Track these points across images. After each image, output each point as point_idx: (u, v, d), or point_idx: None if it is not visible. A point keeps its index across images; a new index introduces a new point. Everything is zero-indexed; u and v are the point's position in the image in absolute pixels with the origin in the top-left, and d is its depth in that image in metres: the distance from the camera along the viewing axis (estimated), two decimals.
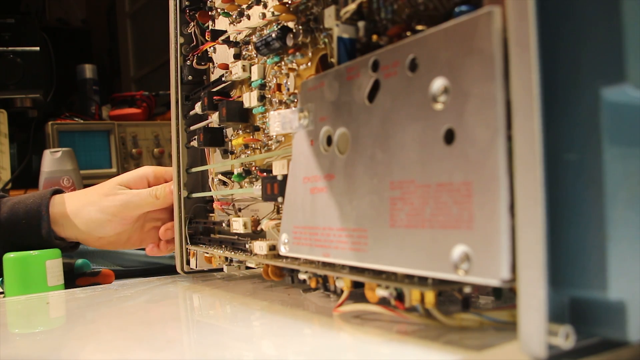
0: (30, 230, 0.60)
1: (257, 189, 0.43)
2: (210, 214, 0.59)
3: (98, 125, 1.47)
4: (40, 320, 0.47)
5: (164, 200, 0.60)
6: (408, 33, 0.33)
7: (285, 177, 0.40)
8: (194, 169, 0.59)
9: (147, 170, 0.65)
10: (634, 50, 0.24)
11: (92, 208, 0.62)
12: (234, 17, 0.51)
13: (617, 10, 0.24)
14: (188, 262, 0.59)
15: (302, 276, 0.40)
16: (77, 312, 0.49)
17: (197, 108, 0.54)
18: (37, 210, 0.61)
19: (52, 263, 0.57)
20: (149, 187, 0.64)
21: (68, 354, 0.35)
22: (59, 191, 0.65)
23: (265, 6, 0.46)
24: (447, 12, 0.30)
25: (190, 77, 0.58)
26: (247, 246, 0.47)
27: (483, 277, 0.25)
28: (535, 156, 0.23)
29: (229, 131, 0.54)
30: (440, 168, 0.27)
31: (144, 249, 0.80)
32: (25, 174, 1.39)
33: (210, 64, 0.58)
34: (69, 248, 0.65)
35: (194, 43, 0.58)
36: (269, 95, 0.46)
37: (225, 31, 0.52)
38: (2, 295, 0.58)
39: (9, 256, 0.57)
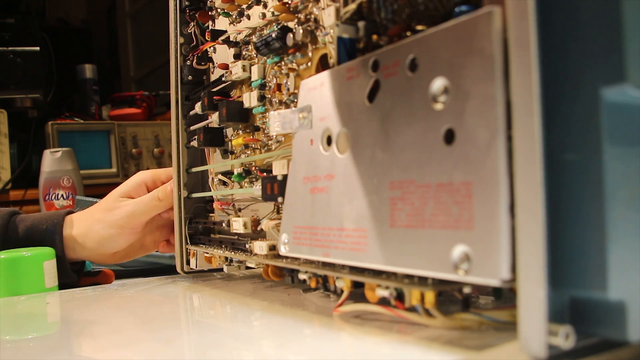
0: None
1: (257, 189, 0.43)
2: (210, 214, 0.59)
3: (98, 125, 1.47)
4: (41, 320, 0.47)
5: (167, 201, 0.61)
6: (408, 33, 0.33)
7: (285, 177, 0.40)
8: (194, 169, 0.59)
9: (143, 176, 0.65)
10: (634, 50, 0.24)
11: (100, 225, 0.62)
12: (234, 17, 0.51)
13: (617, 10, 0.24)
14: (188, 262, 0.59)
15: (302, 276, 0.40)
16: (77, 312, 0.49)
17: (197, 108, 0.54)
18: (51, 237, 0.62)
19: (49, 264, 0.57)
20: (149, 192, 0.64)
21: (68, 354, 0.35)
22: (70, 212, 0.65)
23: (265, 6, 0.46)
24: (447, 12, 0.30)
25: (190, 77, 0.58)
26: (247, 246, 0.47)
27: (483, 277, 0.25)
28: (535, 156, 0.23)
29: (229, 131, 0.54)
30: (440, 168, 0.27)
31: None
32: (25, 174, 1.39)
33: (210, 64, 0.58)
34: (77, 270, 0.66)
35: (194, 43, 0.58)
36: (269, 95, 0.46)
37: (225, 31, 0.52)
38: None
39: (1, 257, 0.55)
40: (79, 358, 0.34)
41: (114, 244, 0.63)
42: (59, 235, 0.62)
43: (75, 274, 0.64)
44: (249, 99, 0.48)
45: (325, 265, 0.37)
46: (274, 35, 0.43)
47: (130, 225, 0.62)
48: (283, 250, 0.39)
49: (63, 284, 0.59)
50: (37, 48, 1.39)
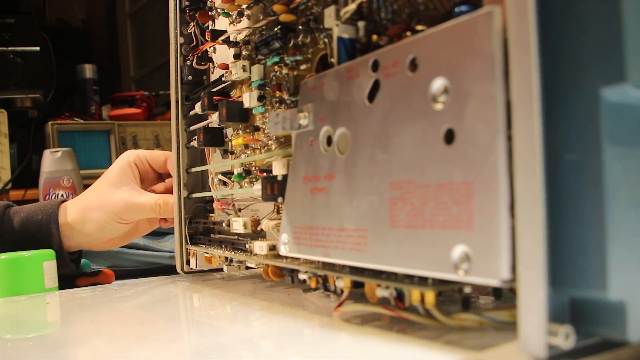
0: (42, 248, 0.61)
1: (257, 189, 0.43)
2: (210, 214, 0.59)
3: (98, 125, 1.47)
4: (41, 320, 0.47)
5: (166, 214, 0.62)
6: (408, 33, 0.33)
7: (285, 177, 0.40)
8: (194, 169, 0.59)
9: (129, 158, 0.65)
10: (634, 50, 0.24)
11: (98, 213, 0.62)
12: (234, 17, 0.51)
13: (617, 10, 0.24)
14: (188, 262, 0.59)
15: (302, 276, 0.40)
16: (77, 312, 0.49)
17: (197, 108, 0.54)
18: (47, 227, 0.61)
19: (48, 265, 0.57)
20: (140, 173, 0.64)
21: (68, 354, 0.35)
22: (64, 200, 0.65)
23: (265, 6, 0.46)
24: (447, 12, 0.30)
25: (190, 77, 0.58)
26: (247, 246, 0.47)
27: (483, 277, 0.25)
28: (535, 156, 0.23)
29: (229, 131, 0.54)
30: (440, 168, 0.27)
31: (144, 250, 0.80)
32: (25, 174, 1.39)
33: (210, 64, 0.58)
34: (75, 260, 0.66)
35: (194, 43, 0.58)
36: (269, 96, 0.46)
37: (225, 31, 0.52)
38: None
39: (1, 257, 0.56)
40: (78, 358, 0.34)
41: (113, 231, 0.63)
42: (55, 224, 0.62)
43: (73, 263, 0.64)
44: (249, 99, 0.48)
45: (325, 265, 0.37)
46: (274, 35, 0.43)
47: (127, 218, 0.63)
48: (283, 250, 0.39)
49: (62, 276, 0.59)
50: (37, 48, 1.40)
